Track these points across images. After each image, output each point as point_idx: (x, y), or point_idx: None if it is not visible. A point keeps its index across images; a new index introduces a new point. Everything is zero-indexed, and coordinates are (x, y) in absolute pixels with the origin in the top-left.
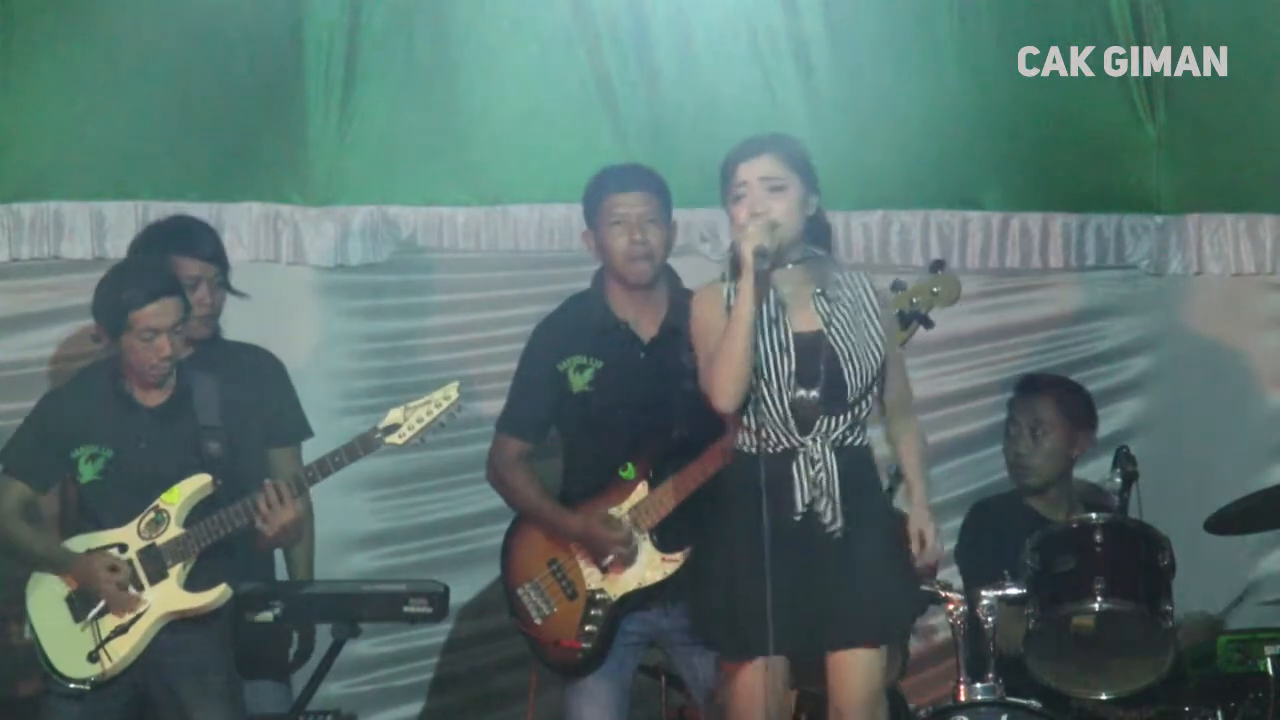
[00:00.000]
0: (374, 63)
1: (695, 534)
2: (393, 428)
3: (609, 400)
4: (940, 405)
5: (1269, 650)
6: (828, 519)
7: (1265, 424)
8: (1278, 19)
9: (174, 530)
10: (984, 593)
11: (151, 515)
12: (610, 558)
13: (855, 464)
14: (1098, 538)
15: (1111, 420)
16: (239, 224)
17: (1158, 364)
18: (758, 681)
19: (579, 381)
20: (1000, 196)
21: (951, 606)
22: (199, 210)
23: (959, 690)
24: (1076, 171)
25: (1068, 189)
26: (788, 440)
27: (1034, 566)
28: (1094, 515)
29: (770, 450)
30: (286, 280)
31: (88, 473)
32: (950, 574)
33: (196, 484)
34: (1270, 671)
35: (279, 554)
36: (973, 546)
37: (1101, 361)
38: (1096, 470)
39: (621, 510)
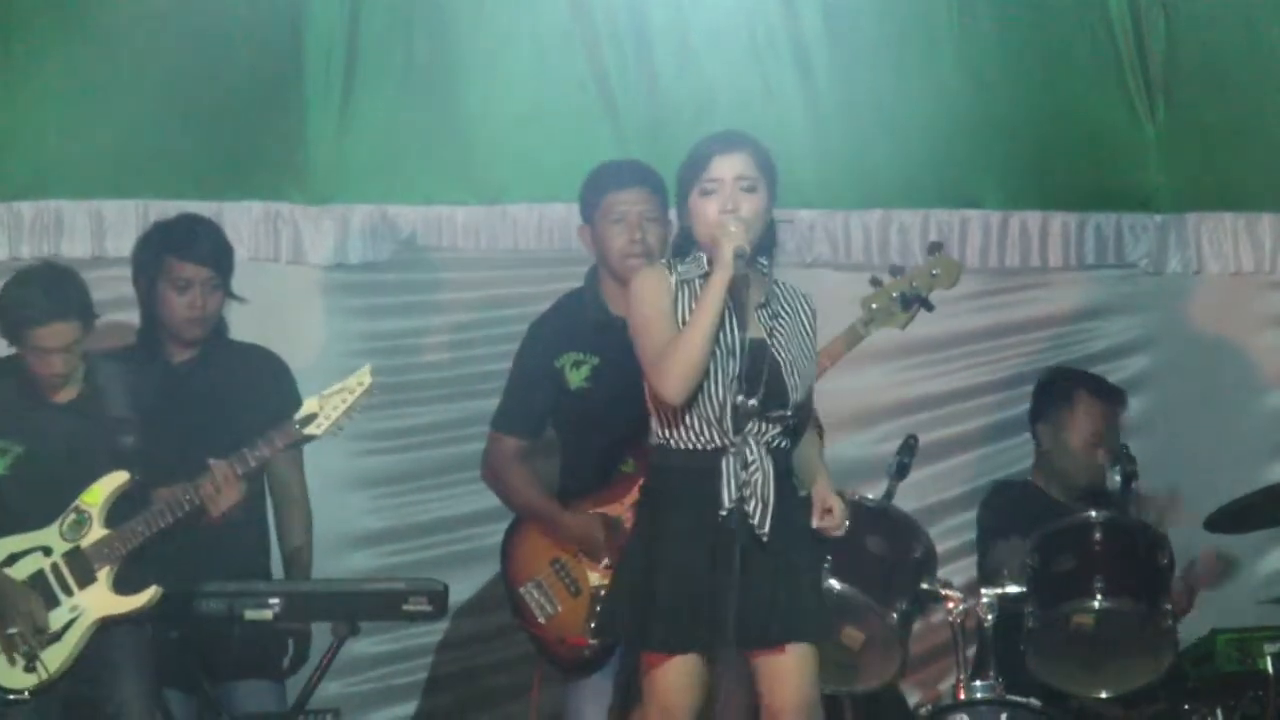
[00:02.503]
0: (374, 62)
1: None
2: (310, 418)
3: (607, 396)
4: (940, 404)
5: (1268, 649)
6: (756, 520)
7: (1264, 422)
8: (1277, 19)
9: (98, 531)
10: (983, 591)
11: (73, 516)
12: (606, 561)
13: (782, 467)
14: (1097, 536)
15: None
16: (238, 223)
17: (1157, 362)
18: (676, 678)
19: (576, 378)
20: (1000, 195)
21: (951, 605)
22: (199, 209)
23: (959, 689)
24: (1076, 170)
25: (1067, 188)
26: (720, 439)
27: (1033, 565)
28: (1093, 514)
29: (698, 446)
30: (286, 279)
31: None
32: (955, 570)
33: (115, 481)
34: (1269, 670)
35: (275, 552)
36: (994, 531)
37: (1101, 360)
38: None
39: (625, 505)
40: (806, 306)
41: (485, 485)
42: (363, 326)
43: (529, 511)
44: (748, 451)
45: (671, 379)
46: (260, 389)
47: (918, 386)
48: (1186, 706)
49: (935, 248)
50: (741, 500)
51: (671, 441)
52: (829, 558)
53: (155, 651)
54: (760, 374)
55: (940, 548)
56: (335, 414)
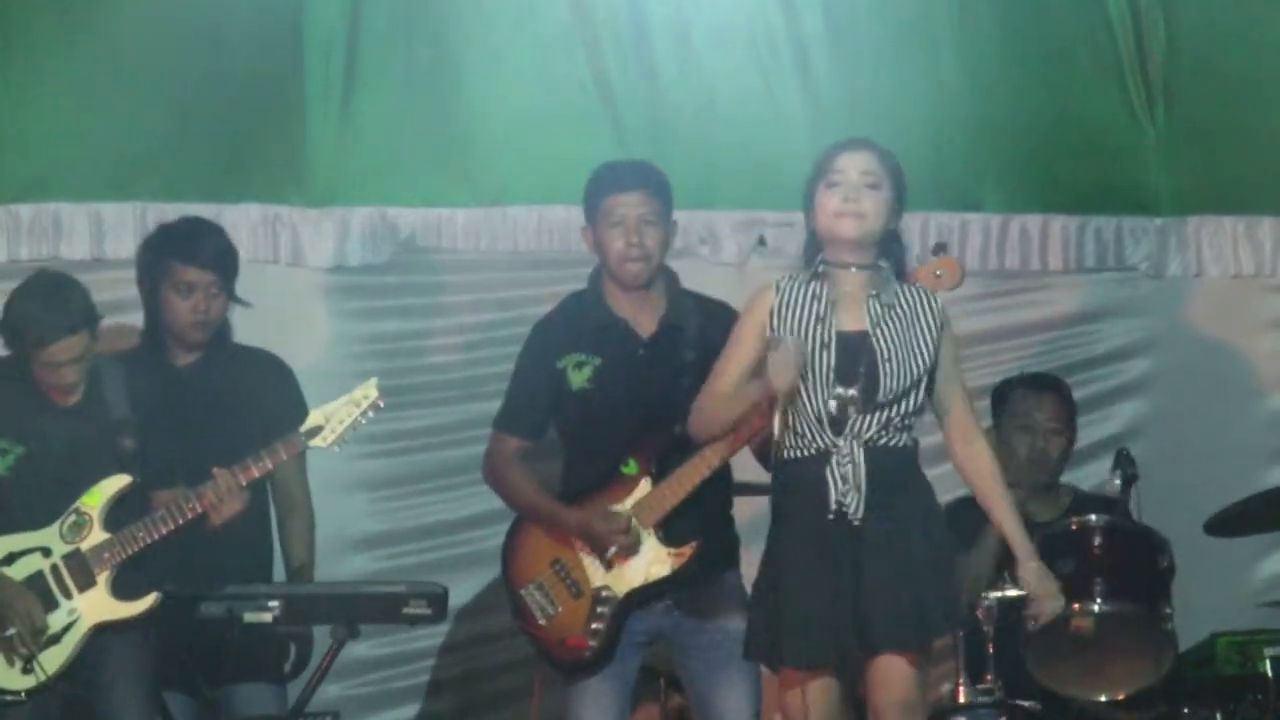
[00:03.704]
0: (373, 64)
1: (702, 528)
2: (315, 430)
3: (609, 397)
4: None
5: (1268, 652)
6: (851, 509)
7: (1265, 426)
8: (1278, 20)
9: (98, 535)
10: (983, 594)
11: (73, 518)
12: (613, 549)
13: (893, 464)
14: (1097, 540)
15: (1111, 422)
16: (238, 225)
17: (1157, 366)
18: (809, 694)
19: (578, 379)
20: (1000, 198)
21: None
22: (198, 211)
23: (958, 692)
24: (1076, 173)
25: (1067, 191)
26: (822, 440)
27: None
28: (1093, 517)
29: (805, 453)
30: (285, 281)
31: None
32: None
33: (116, 485)
34: (1269, 673)
35: (277, 553)
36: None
37: (1101, 363)
38: (1096, 472)
39: (625, 506)
40: (930, 308)
41: (486, 486)
42: (363, 329)
43: (530, 509)
44: (845, 449)
45: (693, 418)
46: (264, 392)
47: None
48: (1186, 710)
49: (939, 249)
50: (842, 496)
51: (787, 451)
52: None
53: (155, 656)
54: (857, 365)
55: None
56: (341, 428)
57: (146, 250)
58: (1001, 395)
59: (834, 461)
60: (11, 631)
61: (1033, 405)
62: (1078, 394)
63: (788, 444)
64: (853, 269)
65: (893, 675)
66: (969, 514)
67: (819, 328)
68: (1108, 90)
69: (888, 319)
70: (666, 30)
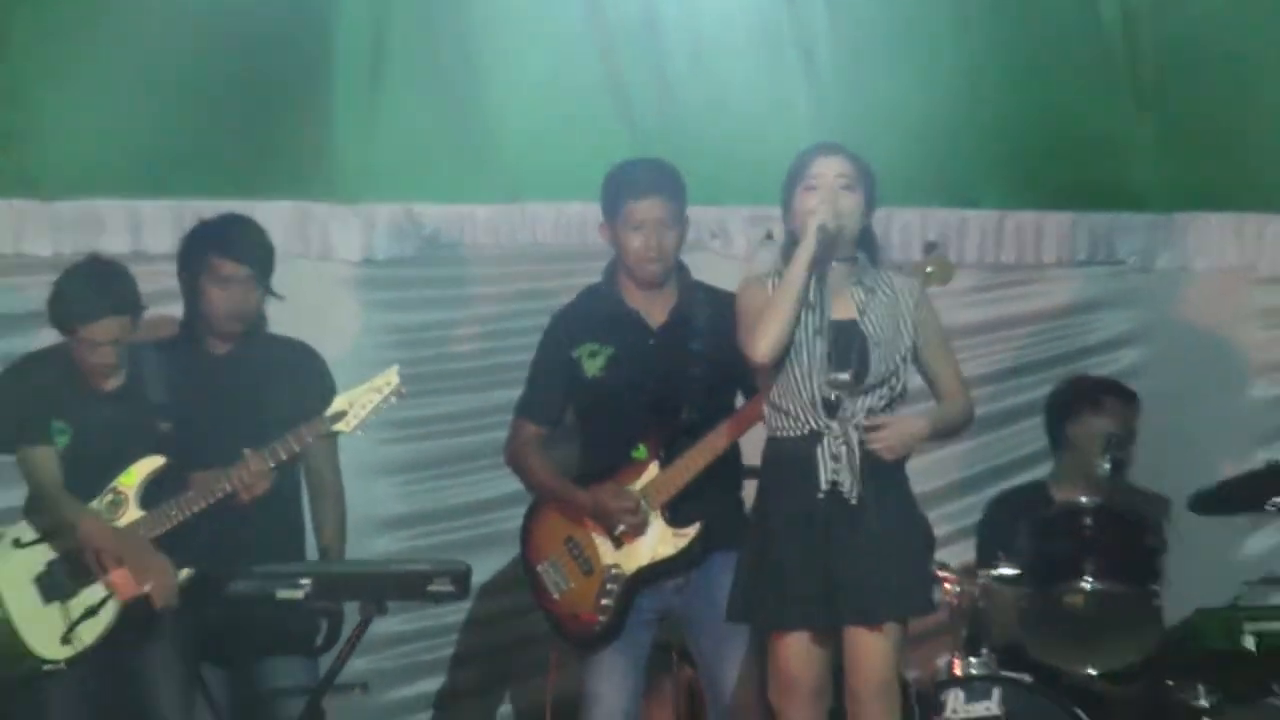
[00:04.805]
0: (399, 64)
1: (706, 510)
2: (339, 415)
3: (620, 385)
4: None
5: (1248, 627)
6: (846, 488)
7: (1250, 413)
8: (1269, 20)
9: (133, 513)
10: (980, 571)
11: (110, 497)
12: (621, 527)
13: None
14: (1088, 521)
15: None
16: (270, 220)
17: (1147, 355)
18: (794, 654)
19: (592, 367)
20: (997, 195)
21: (948, 585)
22: (231, 207)
23: (954, 664)
24: (1070, 170)
25: (1061, 188)
26: (814, 422)
27: (1028, 548)
28: (1084, 499)
29: (797, 433)
30: (316, 274)
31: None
32: (951, 553)
33: (151, 465)
34: (1251, 648)
35: (309, 533)
36: (998, 540)
37: (1093, 353)
38: None
39: (634, 489)
40: (908, 292)
41: (506, 470)
42: (389, 319)
43: (546, 490)
44: (838, 430)
45: (758, 336)
46: (296, 380)
47: (916, 378)
48: (1171, 683)
49: (930, 247)
50: (835, 474)
51: (777, 431)
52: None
53: (191, 629)
54: (849, 350)
55: (937, 532)
56: (363, 413)
57: (188, 244)
58: (1093, 399)
59: (826, 441)
60: (148, 588)
61: (1129, 417)
62: None
63: (778, 425)
64: (833, 262)
65: (867, 656)
66: (1004, 513)
67: (810, 314)
68: (1101, 90)
69: (872, 304)
70: (678, 32)
